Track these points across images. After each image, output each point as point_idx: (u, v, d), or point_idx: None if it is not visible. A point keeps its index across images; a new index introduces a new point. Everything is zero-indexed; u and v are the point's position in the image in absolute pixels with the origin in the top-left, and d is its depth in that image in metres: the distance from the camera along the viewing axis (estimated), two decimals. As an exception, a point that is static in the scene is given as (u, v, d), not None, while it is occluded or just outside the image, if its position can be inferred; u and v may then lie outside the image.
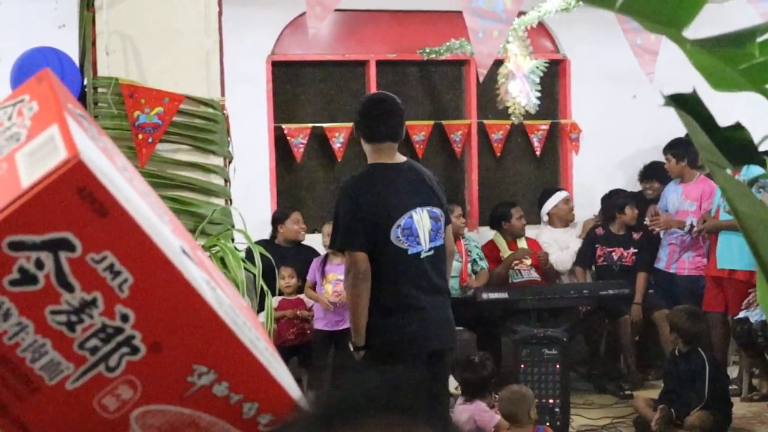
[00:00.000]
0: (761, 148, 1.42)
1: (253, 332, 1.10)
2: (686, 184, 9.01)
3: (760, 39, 1.34)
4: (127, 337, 1.00)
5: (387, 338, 5.25)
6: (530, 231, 9.39)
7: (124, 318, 0.99)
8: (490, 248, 9.22)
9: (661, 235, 9.05)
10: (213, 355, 1.03)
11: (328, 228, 8.10)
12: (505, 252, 9.13)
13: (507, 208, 9.24)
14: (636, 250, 9.07)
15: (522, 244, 9.21)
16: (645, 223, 9.09)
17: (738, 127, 1.43)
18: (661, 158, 9.32)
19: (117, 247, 0.96)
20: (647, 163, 9.65)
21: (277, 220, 8.67)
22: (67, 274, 0.96)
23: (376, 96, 5.88)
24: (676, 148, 9.00)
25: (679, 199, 9.01)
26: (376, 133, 5.42)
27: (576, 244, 9.38)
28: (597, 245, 9.14)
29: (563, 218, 9.51)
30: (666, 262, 9.08)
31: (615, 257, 9.07)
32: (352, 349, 5.25)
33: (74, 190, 0.94)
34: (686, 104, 1.39)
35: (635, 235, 9.14)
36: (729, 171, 1.46)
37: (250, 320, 1.15)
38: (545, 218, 9.63)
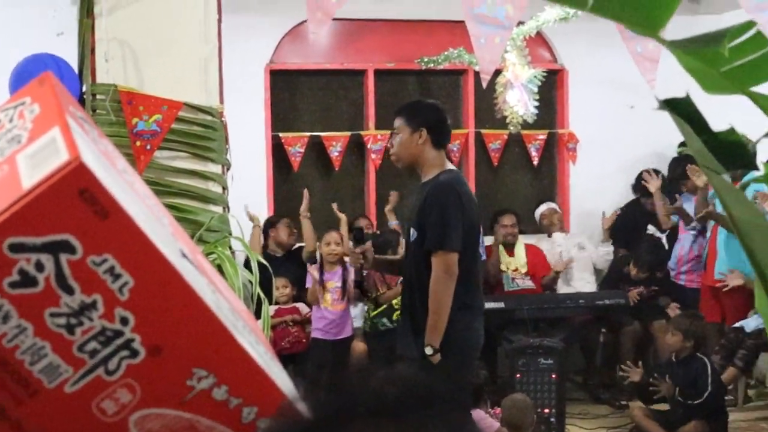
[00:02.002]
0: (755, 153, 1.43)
1: (253, 336, 1.10)
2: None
3: (733, 43, 1.34)
4: (127, 341, 0.99)
5: (469, 339, 5.30)
6: (530, 239, 9.38)
7: (124, 321, 0.98)
8: (488, 252, 9.22)
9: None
10: (212, 359, 1.03)
11: (331, 237, 8.10)
12: (501, 256, 9.11)
13: (498, 215, 9.26)
14: (656, 288, 9.03)
15: (518, 249, 9.18)
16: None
17: (731, 132, 1.43)
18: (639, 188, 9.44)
19: (117, 250, 0.96)
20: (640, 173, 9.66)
21: (268, 226, 8.66)
22: (67, 277, 0.96)
23: (437, 104, 5.83)
24: (681, 169, 9.05)
25: (691, 207, 9.03)
26: (446, 139, 5.49)
27: (569, 245, 9.34)
28: (621, 281, 9.10)
29: (546, 230, 9.53)
30: (675, 272, 9.09)
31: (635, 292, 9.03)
32: (429, 352, 5.12)
33: (75, 192, 0.94)
34: (680, 109, 1.39)
35: (659, 274, 9.10)
36: (727, 177, 1.46)
37: (250, 324, 1.15)
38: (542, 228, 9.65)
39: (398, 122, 5.39)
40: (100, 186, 0.95)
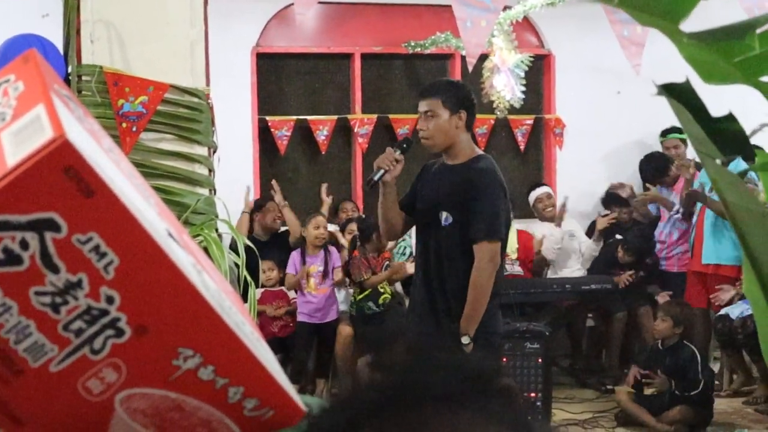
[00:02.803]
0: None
1: (239, 316, 1.10)
2: (674, 185, 9.10)
3: (759, 30, 1.33)
4: (112, 320, 0.98)
5: (495, 325, 5.30)
6: (520, 224, 9.37)
7: (110, 300, 0.98)
8: None
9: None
10: (199, 339, 1.02)
11: (318, 220, 8.10)
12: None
13: None
14: (643, 275, 9.04)
15: (510, 236, 9.13)
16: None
17: (730, 118, 1.43)
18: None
19: (103, 228, 0.95)
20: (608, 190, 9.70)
21: (253, 209, 8.66)
22: (53, 255, 0.95)
23: (465, 83, 5.70)
24: (655, 166, 9.13)
25: (673, 199, 9.08)
26: (473, 121, 5.34)
27: (559, 233, 9.32)
28: (612, 265, 9.09)
29: (540, 215, 9.48)
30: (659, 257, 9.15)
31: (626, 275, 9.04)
32: (466, 342, 5.05)
33: (60, 170, 0.93)
34: (678, 95, 1.39)
35: (648, 260, 9.11)
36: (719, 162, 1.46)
37: (236, 305, 1.14)
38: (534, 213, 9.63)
39: (433, 103, 5.17)
40: (85, 163, 0.94)
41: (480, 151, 5.36)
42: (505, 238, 5.29)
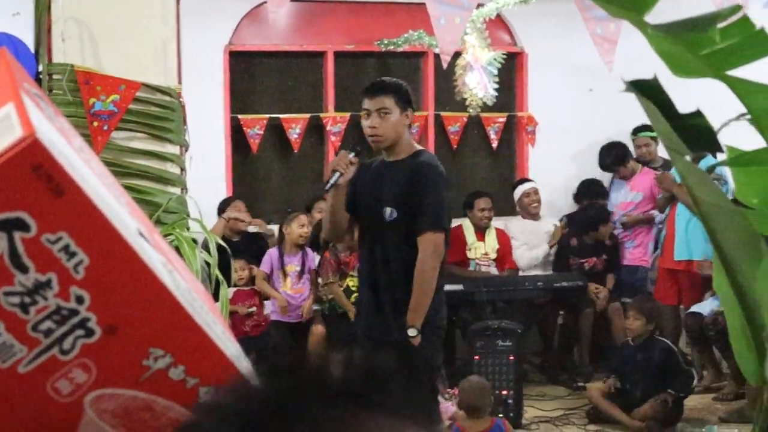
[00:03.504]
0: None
1: (210, 316, 1.09)
2: (630, 179, 9.18)
3: (721, 24, 1.34)
4: (82, 320, 0.98)
5: (441, 319, 5.35)
6: (498, 222, 9.39)
7: (79, 300, 0.97)
8: (455, 233, 9.19)
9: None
10: (169, 339, 1.02)
11: (302, 219, 8.08)
12: (471, 239, 9.08)
13: (473, 198, 9.20)
14: (607, 257, 9.09)
15: (489, 234, 9.17)
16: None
17: (697, 115, 1.43)
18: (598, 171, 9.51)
19: (73, 228, 0.95)
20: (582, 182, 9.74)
21: (220, 210, 8.59)
22: (21, 255, 0.94)
23: None
24: (615, 154, 9.18)
25: (624, 192, 9.18)
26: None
27: (544, 247, 9.35)
28: (570, 256, 9.12)
29: (525, 210, 9.51)
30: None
31: (587, 266, 9.07)
32: (413, 334, 5.11)
33: (29, 169, 0.92)
34: (647, 91, 1.39)
35: (607, 242, 9.15)
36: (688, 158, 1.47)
37: (207, 304, 1.14)
38: (518, 209, 9.65)
39: (386, 101, 5.27)
40: (55, 163, 0.93)
41: (419, 147, 5.48)
42: (449, 229, 5.36)
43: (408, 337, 5.10)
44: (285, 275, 8.09)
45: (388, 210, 5.24)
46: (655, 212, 9.07)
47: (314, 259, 8.29)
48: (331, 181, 5.13)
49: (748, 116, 1.75)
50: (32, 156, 0.93)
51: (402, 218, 5.20)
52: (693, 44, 1.41)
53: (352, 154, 5.16)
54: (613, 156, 9.28)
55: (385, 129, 5.26)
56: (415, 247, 5.17)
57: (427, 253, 5.15)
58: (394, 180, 5.26)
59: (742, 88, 1.58)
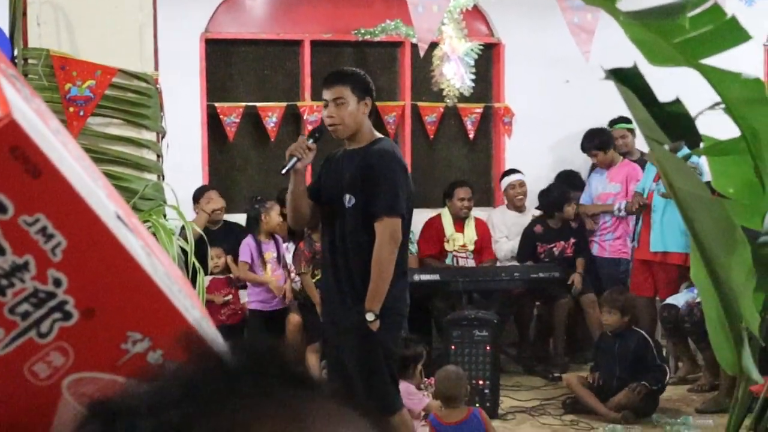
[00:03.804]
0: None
1: (188, 300, 1.09)
2: (609, 169, 9.18)
3: (691, 13, 1.34)
4: (60, 303, 0.97)
5: (402, 306, 5.42)
6: (478, 212, 9.41)
7: (57, 282, 0.96)
8: (434, 225, 9.19)
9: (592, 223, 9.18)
10: (147, 322, 1.01)
11: (278, 208, 8.06)
12: (449, 230, 9.10)
13: (453, 187, 9.22)
14: (575, 240, 9.11)
15: (469, 225, 9.19)
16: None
17: (677, 103, 1.43)
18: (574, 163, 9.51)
19: (50, 210, 0.94)
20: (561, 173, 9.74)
21: (195, 199, 8.56)
22: (-2, 237, 0.93)
23: None
24: (598, 140, 9.18)
25: (603, 183, 9.17)
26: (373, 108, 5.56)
27: (518, 232, 9.38)
28: (537, 243, 9.13)
29: (511, 202, 9.53)
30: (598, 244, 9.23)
31: (556, 252, 9.10)
32: (371, 319, 5.18)
33: (6, 150, 0.91)
34: (626, 79, 1.39)
35: (573, 224, 9.18)
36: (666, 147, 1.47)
37: (185, 289, 1.13)
38: (504, 200, 9.67)
39: (342, 91, 5.35)
40: (32, 144, 0.92)
41: (379, 135, 5.54)
42: (407, 215, 5.40)
43: (366, 322, 5.17)
44: (264, 263, 8.08)
45: (347, 197, 5.33)
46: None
47: (286, 246, 8.29)
48: (288, 166, 5.19)
49: (723, 105, 1.75)
50: (9, 137, 0.92)
51: (359, 204, 5.29)
52: (666, 32, 1.40)
53: (310, 140, 5.23)
54: (596, 141, 9.25)
55: (342, 118, 5.35)
56: (373, 234, 5.25)
57: (384, 238, 5.23)
58: (352, 167, 5.35)
59: (715, 77, 1.59)
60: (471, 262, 9.10)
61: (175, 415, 0.76)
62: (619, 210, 8.93)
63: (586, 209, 9.18)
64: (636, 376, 7.35)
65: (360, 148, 5.38)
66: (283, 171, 5.24)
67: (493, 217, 9.51)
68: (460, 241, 9.11)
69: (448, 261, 9.08)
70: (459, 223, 9.15)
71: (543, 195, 9.29)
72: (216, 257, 8.04)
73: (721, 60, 1.71)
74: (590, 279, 9.03)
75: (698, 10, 1.36)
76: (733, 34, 1.57)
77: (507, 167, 9.99)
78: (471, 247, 9.12)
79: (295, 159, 5.17)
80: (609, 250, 9.14)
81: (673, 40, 1.38)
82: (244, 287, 8.27)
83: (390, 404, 5.27)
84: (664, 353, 7.93)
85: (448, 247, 9.11)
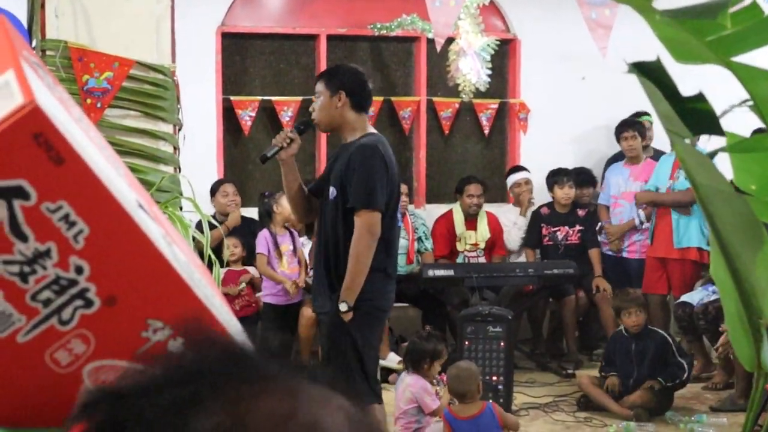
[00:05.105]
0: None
1: (209, 289, 1.08)
2: (634, 167, 9.04)
3: (731, 10, 1.33)
4: (81, 290, 0.97)
5: (382, 302, 5.44)
6: (492, 208, 9.39)
7: (79, 270, 0.96)
8: (446, 220, 9.18)
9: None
10: (168, 311, 1.01)
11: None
12: (460, 226, 9.08)
13: (464, 183, 9.19)
14: (581, 228, 9.07)
15: (481, 222, 9.16)
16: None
17: (700, 98, 1.42)
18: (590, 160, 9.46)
19: (73, 197, 0.94)
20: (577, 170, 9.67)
21: (212, 192, 8.60)
22: (21, 223, 0.93)
23: (358, 68, 5.86)
24: (635, 125, 9.01)
25: (626, 181, 9.04)
26: (366, 102, 5.56)
27: (525, 222, 9.36)
28: (542, 224, 9.14)
29: (516, 200, 9.49)
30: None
31: (560, 236, 9.08)
32: (344, 309, 5.23)
33: (30, 137, 0.91)
34: (649, 74, 1.38)
35: (580, 212, 9.14)
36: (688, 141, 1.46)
37: (205, 278, 1.13)
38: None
39: (319, 86, 5.46)
40: (55, 131, 0.92)
41: (373, 130, 5.57)
42: (388, 211, 5.41)
43: (339, 312, 5.23)
44: (280, 255, 8.08)
45: (331, 189, 5.39)
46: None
47: (301, 241, 8.30)
48: (267, 154, 5.34)
49: (750, 102, 1.74)
50: (33, 123, 0.91)
51: (340, 197, 5.34)
52: (699, 30, 1.40)
53: (292, 131, 5.37)
54: (636, 125, 9.04)
55: (316, 113, 5.49)
56: (352, 226, 5.30)
57: (361, 230, 5.27)
58: (339, 161, 5.42)
59: (746, 74, 1.58)
60: (482, 260, 9.09)
61: (187, 391, 0.79)
62: (641, 222, 8.85)
63: (610, 233, 9.08)
64: (654, 375, 7.32)
65: (350, 143, 5.45)
66: (261, 158, 5.41)
67: (503, 213, 9.47)
68: (472, 239, 9.09)
69: (459, 261, 9.05)
70: (470, 220, 9.12)
71: (548, 177, 9.25)
72: (233, 246, 8.06)
73: (744, 58, 1.70)
74: (613, 277, 8.95)
75: (736, 8, 1.35)
76: (766, 32, 1.56)
77: (522, 164, 9.96)
78: (482, 246, 9.09)
79: (276, 148, 5.31)
80: (639, 250, 9.02)
81: (706, 38, 1.37)
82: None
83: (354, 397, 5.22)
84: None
85: (459, 246, 9.10)
